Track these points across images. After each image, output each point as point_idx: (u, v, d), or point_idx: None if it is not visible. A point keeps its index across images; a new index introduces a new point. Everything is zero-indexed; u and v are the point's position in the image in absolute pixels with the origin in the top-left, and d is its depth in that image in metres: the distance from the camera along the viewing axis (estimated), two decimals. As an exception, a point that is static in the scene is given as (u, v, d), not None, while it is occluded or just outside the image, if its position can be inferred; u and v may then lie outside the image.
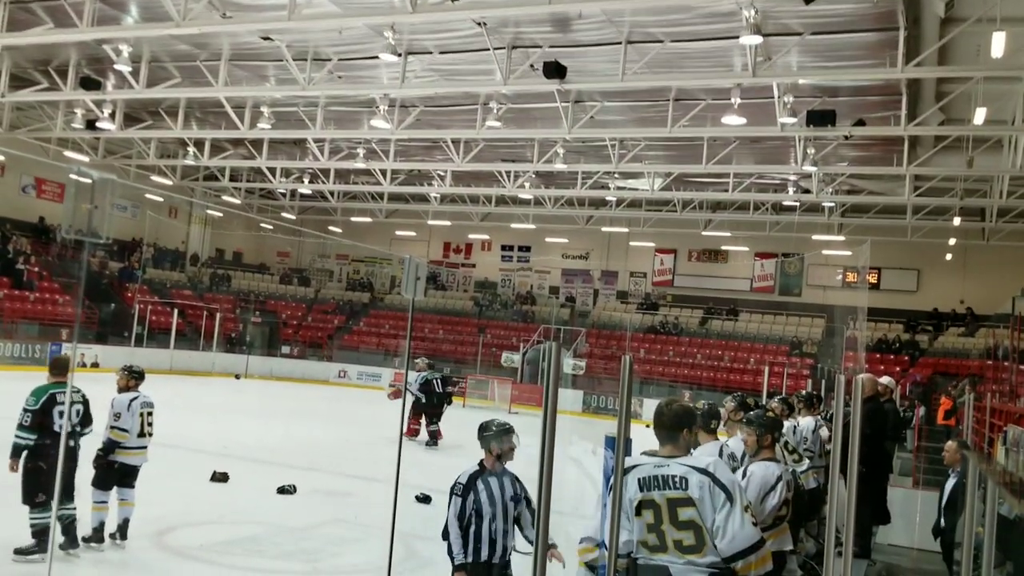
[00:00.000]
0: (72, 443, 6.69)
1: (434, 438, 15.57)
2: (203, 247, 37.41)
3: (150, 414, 7.41)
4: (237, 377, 28.45)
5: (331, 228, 37.48)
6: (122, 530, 7.25)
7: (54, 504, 6.31)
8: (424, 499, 10.15)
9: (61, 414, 6.58)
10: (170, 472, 9.58)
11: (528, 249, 36.42)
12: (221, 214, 35.83)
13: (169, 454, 10.49)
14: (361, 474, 11.64)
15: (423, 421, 15.72)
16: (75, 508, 6.87)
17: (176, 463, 10.66)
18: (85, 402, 7.01)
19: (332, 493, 10.57)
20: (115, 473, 7.21)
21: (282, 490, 10.09)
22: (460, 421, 20.88)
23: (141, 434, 7.32)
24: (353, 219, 36.32)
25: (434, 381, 15.97)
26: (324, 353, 32.68)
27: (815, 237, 28.77)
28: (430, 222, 35.25)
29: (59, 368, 7.03)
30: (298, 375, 30.05)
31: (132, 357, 24.54)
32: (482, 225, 35.24)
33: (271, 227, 37.24)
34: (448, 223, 35.46)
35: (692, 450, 5.16)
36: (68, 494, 6.75)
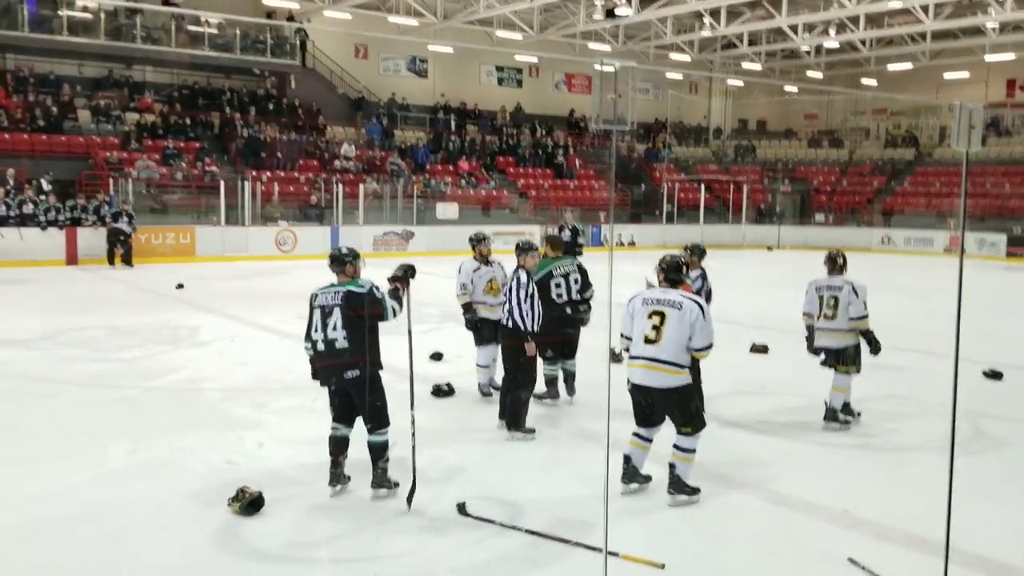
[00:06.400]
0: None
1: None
2: (725, 119, 37.28)
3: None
4: (769, 249, 28.08)
5: (864, 81, 34.17)
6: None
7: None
8: (994, 374, 8.89)
9: (558, 285, 7.42)
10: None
11: None
12: (742, 83, 35.04)
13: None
14: (915, 347, 10.37)
15: None
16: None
17: (717, 334, 10.72)
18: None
19: (883, 367, 9.56)
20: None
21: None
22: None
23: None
24: (890, 67, 32.44)
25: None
26: (864, 219, 30.36)
27: None
28: (987, 57, 29.81)
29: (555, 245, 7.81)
30: (835, 243, 28.41)
31: (665, 234, 25.89)
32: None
33: (795, 89, 35.38)
34: (1011, 56, 29.54)
35: None
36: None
